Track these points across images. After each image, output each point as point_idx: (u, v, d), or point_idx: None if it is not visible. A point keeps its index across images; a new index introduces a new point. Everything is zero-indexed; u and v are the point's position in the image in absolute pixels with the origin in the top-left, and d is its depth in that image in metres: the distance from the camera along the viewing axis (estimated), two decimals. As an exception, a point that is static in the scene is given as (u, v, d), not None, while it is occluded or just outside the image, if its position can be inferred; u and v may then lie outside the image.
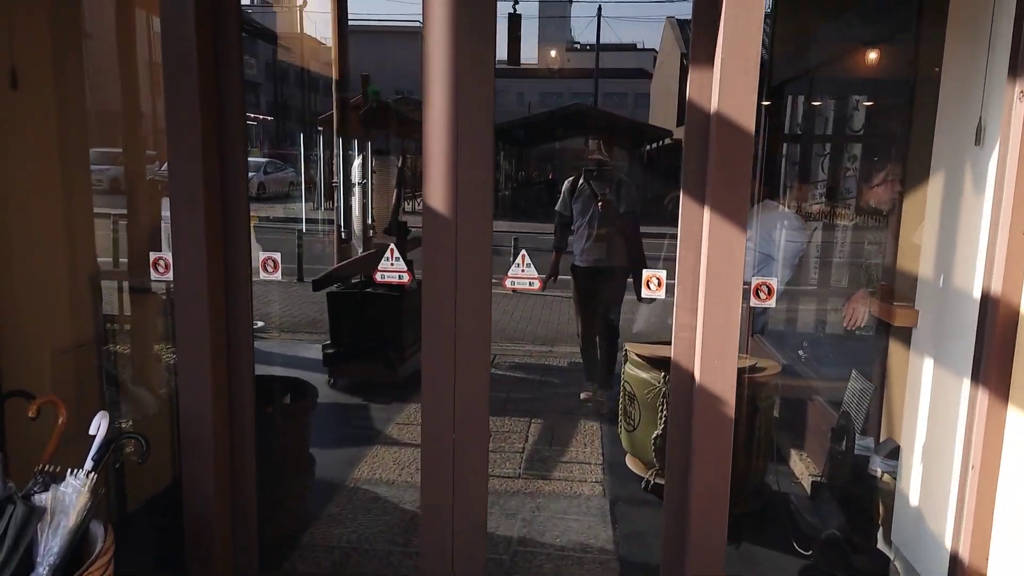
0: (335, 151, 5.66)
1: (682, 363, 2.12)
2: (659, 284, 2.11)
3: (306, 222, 11.90)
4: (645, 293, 2.12)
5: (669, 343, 3.39)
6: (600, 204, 4.23)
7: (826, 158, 4.15)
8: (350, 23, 5.93)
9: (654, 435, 3.24)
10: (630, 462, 3.59)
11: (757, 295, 2.06)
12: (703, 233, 2.01)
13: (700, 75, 2.00)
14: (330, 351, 4.82)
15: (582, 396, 4.68)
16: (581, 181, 4.39)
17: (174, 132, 2.08)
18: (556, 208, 4.55)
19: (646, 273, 2.11)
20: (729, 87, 1.89)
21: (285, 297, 8.13)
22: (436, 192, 2.08)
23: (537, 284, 2.15)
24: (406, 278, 2.20)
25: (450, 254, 2.10)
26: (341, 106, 5.76)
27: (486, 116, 2.04)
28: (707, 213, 1.98)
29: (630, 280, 4.31)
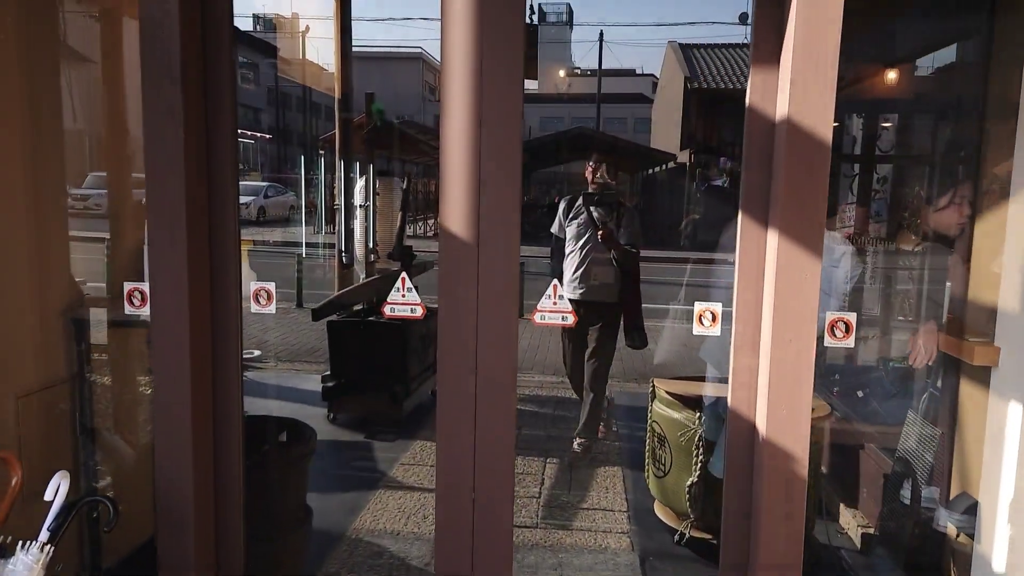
0: (337, 172, 5.41)
1: (741, 412, 1.82)
2: (713, 319, 1.82)
3: (306, 246, 11.67)
4: (697, 330, 1.82)
5: (701, 378, 3.09)
6: (600, 233, 3.86)
7: (880, 179, 3.87)
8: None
9: (689, 482, 2.93)
10: (659, 511, 3.26)
11: (833, 333, 1.77)
12: (768, 260, 1.72)
13: (763, 76, 1.73)
14: (330, 384, 4.52)
15: (599, 431, 4.35)
16: (579, 203, 4.04)
17: (152, 144, 1.80)
18: (552, 230, 4.17)
19: (698, 306, 1.82)
20: (801, 89, 1.61)
21: (283, 324, 7.83)
22: (455, 212, 1.79)
23: (571, 319, 1.86)
24: (419, 312, 1.91)
25: (471, 283, 1.81)
26: (344, 126, 5.52)
27: (513, 124, 1.77)
28: (773, 237, 1.70)
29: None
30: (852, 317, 1.77)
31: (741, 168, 1.78)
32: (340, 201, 5.55)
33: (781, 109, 1.67)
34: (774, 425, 1.72)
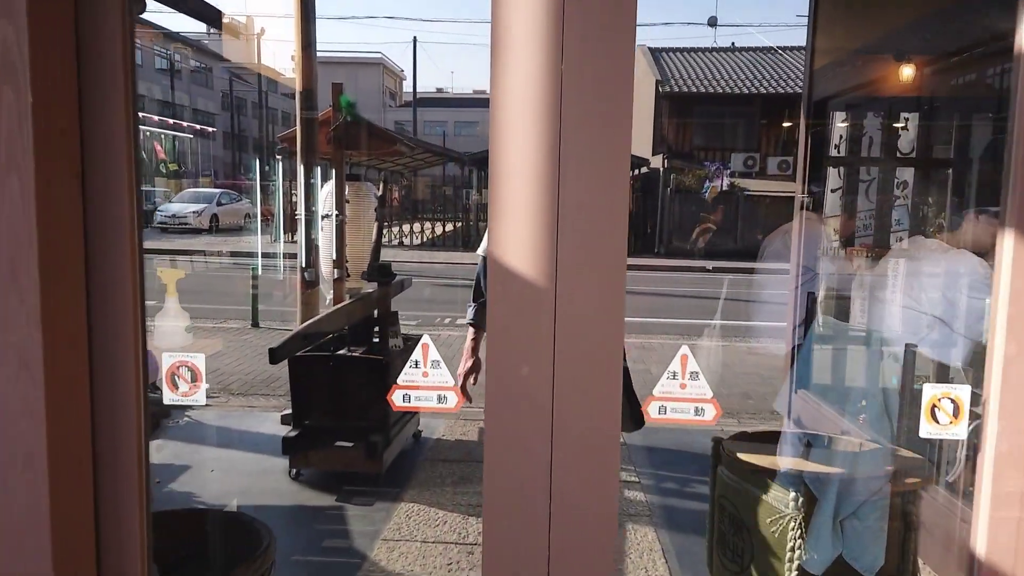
0: (299, 177, 4.58)
1: (998, 566, 1.09)
2: (956, 413, 1.09)
3: (262, 257, 10.71)
4: (928, 430, 1.10)
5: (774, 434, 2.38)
6: None
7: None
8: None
9: (780, 584, 2.20)
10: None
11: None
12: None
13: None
14: (292, 434, 3.68)
15: None
16: None
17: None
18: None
19: (929, 391, 1.09)
20: None
21: (236, 347, 6.92)
22: (517, 229, 1.03)
23: (713, 413, 1.11)
24: (454, 402, 1.14)
25: (544, 340, 1.05)
26: (306, 123, 4.70)
27: (625, 87, 1.02)
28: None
29: None
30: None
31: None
32: (302, 210, 4.72)
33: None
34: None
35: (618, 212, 1.03)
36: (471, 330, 2.47)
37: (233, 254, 14.17)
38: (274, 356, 2.94)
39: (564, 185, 1.06)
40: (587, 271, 1.04)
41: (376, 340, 4.11)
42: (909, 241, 2.44)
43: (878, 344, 2.28)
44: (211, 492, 3.67)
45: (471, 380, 2.42)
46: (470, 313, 2.50)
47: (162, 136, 13.81)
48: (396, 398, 1.20)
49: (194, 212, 18.46)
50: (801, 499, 2.19)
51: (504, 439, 1.08)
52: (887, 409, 2.16)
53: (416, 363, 1.16)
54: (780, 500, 2.25)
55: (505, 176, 1.09)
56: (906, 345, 2.10)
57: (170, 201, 19.61)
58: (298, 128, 4.54)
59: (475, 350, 2.42)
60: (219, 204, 19.30)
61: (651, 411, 1.10)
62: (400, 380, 1.19)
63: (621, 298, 1.03)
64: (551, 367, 1.05)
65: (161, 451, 4.30)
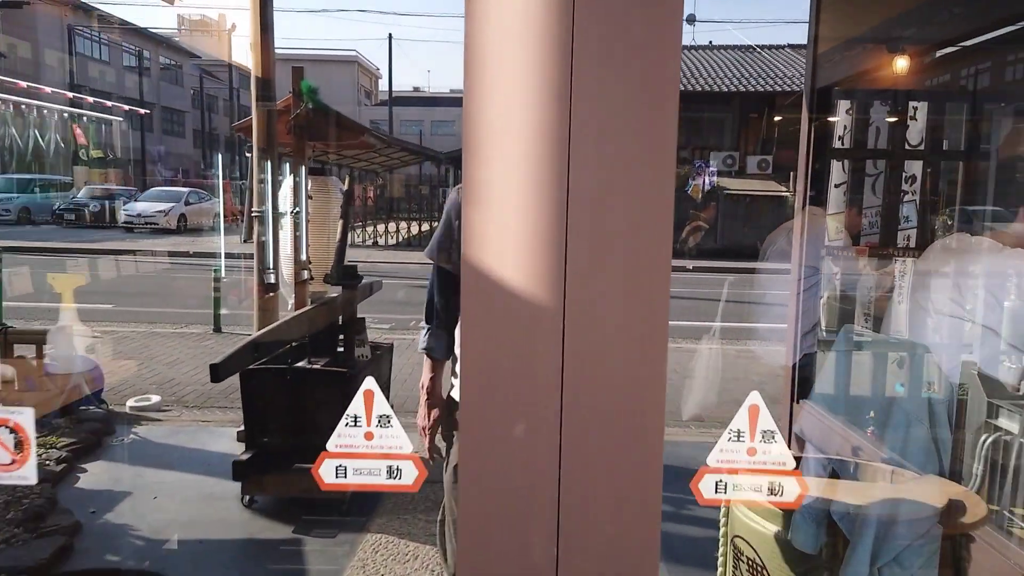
0: (256, 171, 4.17)
1: None
2: None
3: (231, 258, 10.23)
4: None
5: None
6: None
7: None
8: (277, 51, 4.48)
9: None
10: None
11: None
12: None
13: None
14: (245, 457, 3.29)
15: None
16: None
17: None
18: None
19: None
20: None
21: (196, 355, 6.47)
22: (507, 224, 0.68)
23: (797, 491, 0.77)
24: (413, 477, 0.78)
25: (547, 383, 0.70)
26: (264, 113, 4.29)
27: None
28: None
29: None
30: None
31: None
32: (263, 207, 4.31)
33: None
34: None
35: (662, 200, 0.69)
36: (427, 362, 1.93)
37: (200, 255, 13.64)
38: (217, 373, 2.55)
39: (577, 160, 0.71)
40: (611, 285, 0.69)
41: (340, 350, 3.73)
42: (954, 239, 2.15)
43: (918, 357, 1.96)
44: (152, 523, 3.26)
45: (438, 431, 1.92)
46: (423, 339, 1.94)
47: (84, 119, 12.86)
48: (324, 473, 0.85)
49: (161, 211, 17.85)
50: (796, 523, 1.86)
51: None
52: (934, 435, 1.84)
53: (355, 419, 0.81)
54: (805, 541, 1.91)
55: (487, 142, 0.74)
56: (962, 363, 1.79)
57: (135, 200, 18.94)
58: (255, 118, 4.13)
59: (434, 389, 1.91)
60: (187, 203, 18.72)
61: (703, 489, 0.76)
62: (331, 444, 0.84)
63: (664, 326, 0.69)
64: (558, 425, 0.69)
65: (101, 474, 3.88)
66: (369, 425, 0.82)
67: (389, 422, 0.81)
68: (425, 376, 1.92)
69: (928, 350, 1.90)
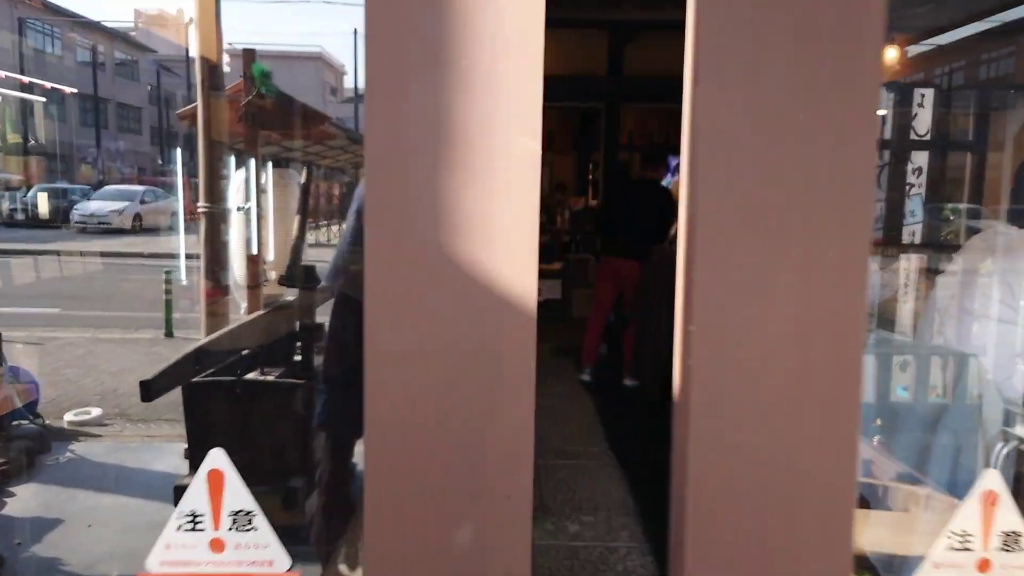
0: (201, 162, 3.80)
1: None
2: None
3: (187, 258, 9.74)
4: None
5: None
6: None
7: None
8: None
9: None
10: None
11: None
12: None
13: None
14: (187, 481, 2.92)
15: None
16: None
17: None
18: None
19: None
20: None
21: (144, 363, 6.02)
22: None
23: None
24: None
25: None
26: (210, 97, 3.91)
27: None
28: None
29: None
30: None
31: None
32: (211, 203, 3.93)
33: None
34: None
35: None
36: None
37: (157, 256, 13.04)
38: (148, 391, 2.20)
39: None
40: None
41: (297, 359, 3.38)
42: (992, 232, 1.92)
43: (964, 366, 1.72)
44: (84, 556, 2.90)
45: None
46: None
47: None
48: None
49: (115, 211, 17.10)
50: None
51: None
52: (986, 451, 1.59)
53: (193, 518, 0.51)
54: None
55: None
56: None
57: (88, 199, 18.15)
58: (200, 103, 3.76)
59: None
60: (143, 202, 18.02)
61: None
62: (152, 561, 0.53)
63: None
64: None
65: (31, 499, 3.48)
66: (217, 526, 0.51)
67: (249, 523, 0.50)
68: None
69: (975, 357, 1.67)
